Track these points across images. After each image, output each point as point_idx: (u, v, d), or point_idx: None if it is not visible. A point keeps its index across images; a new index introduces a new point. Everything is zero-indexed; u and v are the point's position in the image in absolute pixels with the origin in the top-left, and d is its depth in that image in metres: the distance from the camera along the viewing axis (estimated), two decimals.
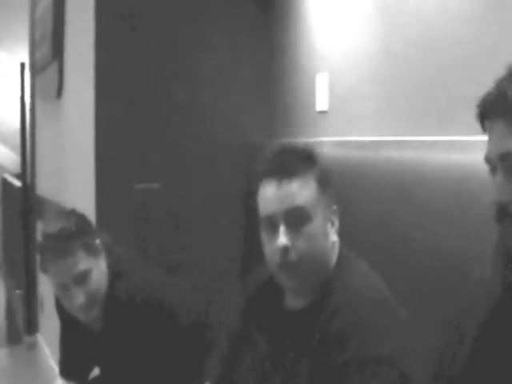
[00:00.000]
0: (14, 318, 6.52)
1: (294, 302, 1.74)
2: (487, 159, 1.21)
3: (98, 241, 2.25)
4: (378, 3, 2.53)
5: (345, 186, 2.52)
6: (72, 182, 3.98)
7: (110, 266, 2.27)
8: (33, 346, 5.52)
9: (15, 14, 8.55)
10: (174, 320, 2.27)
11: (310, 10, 3.06)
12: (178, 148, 3.34)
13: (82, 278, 2.16)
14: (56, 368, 4.61)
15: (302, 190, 1.64)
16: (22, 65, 5.66)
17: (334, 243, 1.71)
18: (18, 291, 6.51)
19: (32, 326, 5.59)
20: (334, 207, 1.72)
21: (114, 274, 2.27)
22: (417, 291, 2.08)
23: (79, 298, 2.16)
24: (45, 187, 5.06)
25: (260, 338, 1.81)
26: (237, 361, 1.87)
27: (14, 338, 6.04)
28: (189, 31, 3.36)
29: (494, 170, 1.20)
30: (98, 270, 2.22)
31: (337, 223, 1.72)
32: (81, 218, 2.28)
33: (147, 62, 3.33)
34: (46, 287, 5.21)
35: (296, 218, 1.63)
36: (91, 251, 2.19)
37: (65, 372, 2.52)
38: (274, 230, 1.65)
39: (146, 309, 2.21)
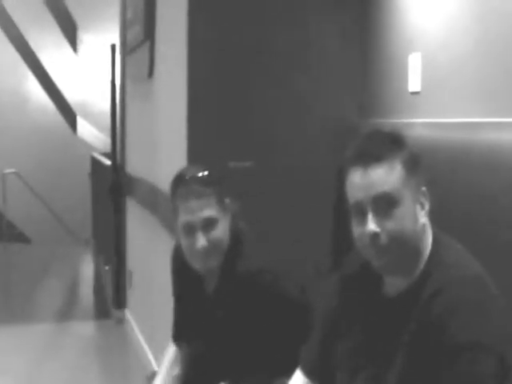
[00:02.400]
0: (102, 293, 6.70)
1: (391, 287, 1.74)
2: None
3: (228, 200, 2.30)
4: None
5: (437, 168, 2.50)
6: (163, 161, 4.05)
7: (233, 232, 2.31)
8: (121, 321, 5.66)
9: None
10: (282, 302, 2.29)
11: None
12: (272, 128, 3.35)
13: (209, 224, 2.22)
14: (143, 342, 4.75)
15: (388, 176, 1.64)
16: (113, 46, 5.75)
17: (424, 225, 1.70)
18: (106, 267, 6.69)
19: (120, 302, 5.72)
20: (424, 189, 1.71)
21: (234, 244, 2.31)
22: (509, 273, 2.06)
23: (202, 241, 2.21)
24: (135, 166, 5.16)
25: (355, 326, 1.81)
26: (331, 348, 1.87)
27: (101, 313, 6.21)
28: (282, 9, 3.36)
29: None
30: (225, 224, 2.27)
31: (427, 205, 1.71)
32: (217, 172, 2.35)
33: (241, 41, 3.34)
34: (134, 264, 5.34)
35: (384, 204, 1.64)
36: (221, 204, 2.25)
37: (177, 336, 2.56)
38: (362, 216, 1.66)
39: (258, 289, 2.24)
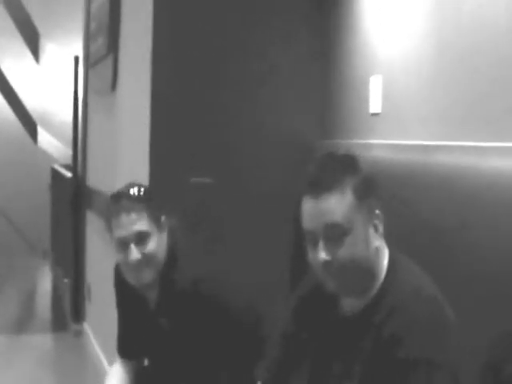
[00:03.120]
0: (60, 305, 6.63)
1: (347, 307, 1.78)
2: None
3: (163, 218, 2.35)
4: (434, 6, 2.55)
5: (395, 188, 2.54)
6: (125, 174, 4.03)
7: (171, 250, 2.36)
8: (79, 334, 5.60)
9: (67, 6, 8.67)
10: (225, 313, 2.32)
11: (366, 12, 3.08)
12: (233, 145, 3.38)
13: (141, 238, 2.27)
14: (101, 355, 4.72)
15: (338, 205, 1.68)
16: (76, 58, 5.73)
17: (378, 248, 1.74)
18: (65, 279, 6.63)
19: (79, 314, 5.68)
20: (377, 212, 1.75)
21: (174, 260, 2.35)
22: (464, 294, 2.10)
23: (135, 254, 2.26)
24: (96, 179, 5.14)
25: (313, 345, 1.84)
26: (289, 365, 1.90)
27: (59, 326, 6.13)
28: (244, 31, 3.39)
29: None
30: (159, 240, 2.32)
31: (381, 227, 1.75)
32: (150, 191, 2.43)
33: (205, 57, 3.37)
34: (93, 276, 5.30)
35: (335, 233, 1.68)
36: (155, 220, 2.31)
37: (122, 351, 2.60)
38: (315, 243, 1.70)
39: (201, 300, 2.28)
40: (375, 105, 2.91)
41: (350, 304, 1.78)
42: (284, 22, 3.46)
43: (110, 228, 2.33)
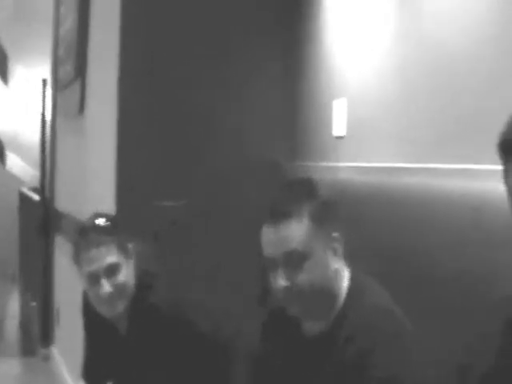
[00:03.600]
0: (28, 329, 6.58)
1: (310, 328, 1.81)
2: None
3: (130, 245, 2.35)
4: (397, 30, 2.60)
5: (360, 210, 2.58)
6: (92, 198, 4.05)
7: (139, 276, 2.36)
8: (47, 358, 5.57)
9: (36, 29, 8.66)
10: (197, 336, 2.34)
11: (330, 36, 3.13)
12: (200, 167, 3.41)
13: (112, 271, 2.27)
14: (69, 380, 4.68)
15: (296, 232, 1.72)
16: (44, 81, 5.77)
17: (337, 270, 1.78)
18: (33, 303, 6.58)
19: (47, 339, 5.64)
20: (336, 235, 1.78)
21: (143, 285, 2.36)
22: (427, 309, 2.15)
23: (107, 288, 2.26)
24: (64, 202, 5.14)
25: (279, 366, 1.87)
26: None
27: (28, 350, 6.09)
28: (210, 60, 3.44)
29: None
30: (128, 269, 2.32)
31: (340, 249, 1.79)
32: (117, 220, 2.45)
33: (170, 81, 3.40)
34: (61, 300, 5.27)
35: (294, 259, 1.72)
36: (123, 250, 2.31)
37: (87, 375, 2.59)
38: (275, 270, 1.74)
39: (170, 322, 2.29)
40: (339, 128, 2.95)
41: (312, 326, 1.80)
42: (251, 47, 3.51)
43: (78, 261, 2.32)
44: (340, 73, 3.02)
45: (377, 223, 2.57)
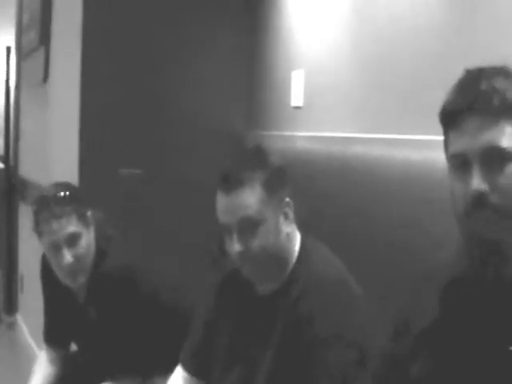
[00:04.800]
0: None
1: (262, 288, 1.90)
2: (457, 155, 1.29)
3: (89, 213, 2.40)
4: (352, 5, 2.67)
5: (314, 178, 2.66)
6: (56, 165, 4.06)
7: (98, 241, 2.41)
8: (12, 326, 5.57)
9: None
10: (153, 300, 2.40)
11: (290, 11, 3.19)
12: (161, 136, 3.47)
13: (73, 240, 2.31)
14: (34, 347, 4.73)
15: (249, 199, 1.79)
16: (8, 49, 5.72)
17: (289, 234, 1.86)
18: None
19: (12, 306, 5.64)
20: (287, 200, 1.86)
21: (101, 251, 2.41)
22: (379, 272, 2.25)
23: (68, 258, 2.30)
24: (28, 170, 5.14)
25: (230, 324, 1.95)
26: (209, 345, 2.00)
27: None
28: (173, 26, 3.48)
29: (464, 164, 1.28)
30: (88, 237, 2.37)
31: (291, 214, 1.86)
32: (76, 189, 2.48)
33: (133, 51, 3.44)
34: (26, 267, 5.29)
35: (247, 225, 1.79)
36: (83, 219, 2.35)
37: (49, 339, 2.65)
38: (229, 235, 1.82)
39: (128, 286, 2.35)
40: (297, 98, 3.02)
41: (264, 287, 1.89)
42: (211, 16, 3.56)
43: (39, 231, 2.35)
44: (298, 45, 3.08)
45: (329, 190, 2.65)
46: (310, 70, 2.95)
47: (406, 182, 2.24)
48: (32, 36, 4.70)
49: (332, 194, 2.66)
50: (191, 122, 3.51)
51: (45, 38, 4.26)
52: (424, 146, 2.15)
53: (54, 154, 4.14)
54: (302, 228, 1.92)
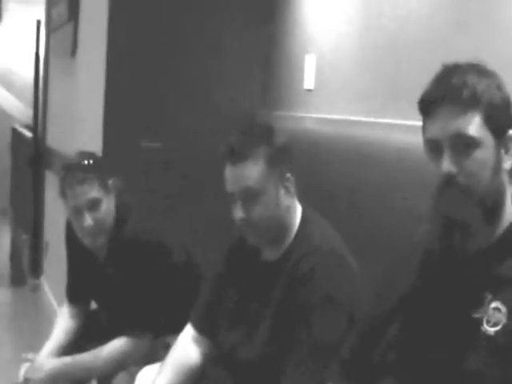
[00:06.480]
0: (18, 261, 6.74)
1: (268, 255, 2.09)
2: (431, 140, 1.44)
3: (110, 181, 2.58)
4: None
5: (321, 158, 2.81)
6: (81, 136, 4.23)
7: (117, 208, 2.60)
8: (36, 288, 5.74)
9: None
10: (168, 261, 2.59)
11: (305, 1, 3.32)
12: (181, 112, 3.63)
13: (94, 205, 2.51)
14: (56, 308, 4.91)
15: (251, 172, 1.96)
16: (38, 22, 5.78)
17: (288, 206, 2.03)
18: (24, 236, 6.74)
19: (36, 270, 5.81)
20: (288, 175, 2.02)
21: (121, 217, 2.60)
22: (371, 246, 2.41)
23: (89, 221, 2.50)
24: (55, 139, 5.29)
25: (237, 287, 2.14)
26: (217, 307, 2.19)
27: (18, 280, 6.20)
28: (198, 9, 3.63)
29: (437, 148, 1.43)
30: (108, 203, 2.56)
31: (292, 188, 2.03)
32: (99, 158, 2.69)
33: (158, 28, 3.58)
34: (50, 234, 5.47)
35: (249, 195, 1.97)
36: (104, 186, 2.54)
37: (70, 295, 2.85)
38: (234, 203, 2.00)
39: (144, 248, 2.54)
40: (309, 81, 3.15)
41: (269, 253, 2.08)
42: (234, 4, 3.70)
43: (64, 196, 2.54)
44: (311, 30, 3.21)
45: (333, 169, 2.79)
46: (322, 55, 3.07)
47: (414, 166, 2.36)
48: (61, 10, 4.82)
49: (339, 175, 2.79)
50: (211, 101, 3.66)
51: (73, 13, 4.40)
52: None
53: (80, 125, 4.30)
54: (306, 204, 2.08)
